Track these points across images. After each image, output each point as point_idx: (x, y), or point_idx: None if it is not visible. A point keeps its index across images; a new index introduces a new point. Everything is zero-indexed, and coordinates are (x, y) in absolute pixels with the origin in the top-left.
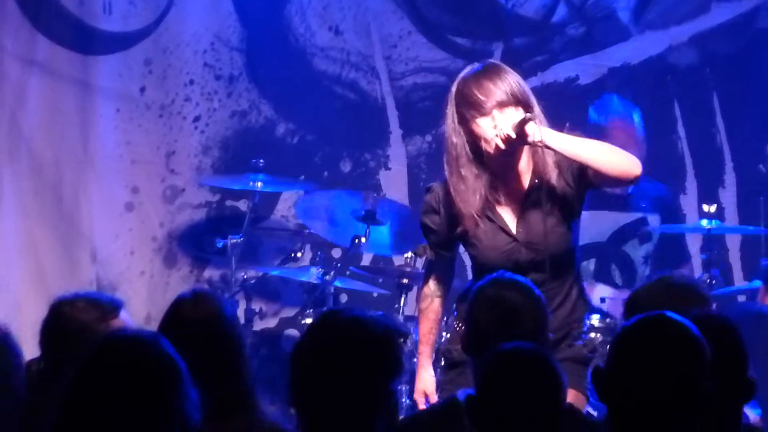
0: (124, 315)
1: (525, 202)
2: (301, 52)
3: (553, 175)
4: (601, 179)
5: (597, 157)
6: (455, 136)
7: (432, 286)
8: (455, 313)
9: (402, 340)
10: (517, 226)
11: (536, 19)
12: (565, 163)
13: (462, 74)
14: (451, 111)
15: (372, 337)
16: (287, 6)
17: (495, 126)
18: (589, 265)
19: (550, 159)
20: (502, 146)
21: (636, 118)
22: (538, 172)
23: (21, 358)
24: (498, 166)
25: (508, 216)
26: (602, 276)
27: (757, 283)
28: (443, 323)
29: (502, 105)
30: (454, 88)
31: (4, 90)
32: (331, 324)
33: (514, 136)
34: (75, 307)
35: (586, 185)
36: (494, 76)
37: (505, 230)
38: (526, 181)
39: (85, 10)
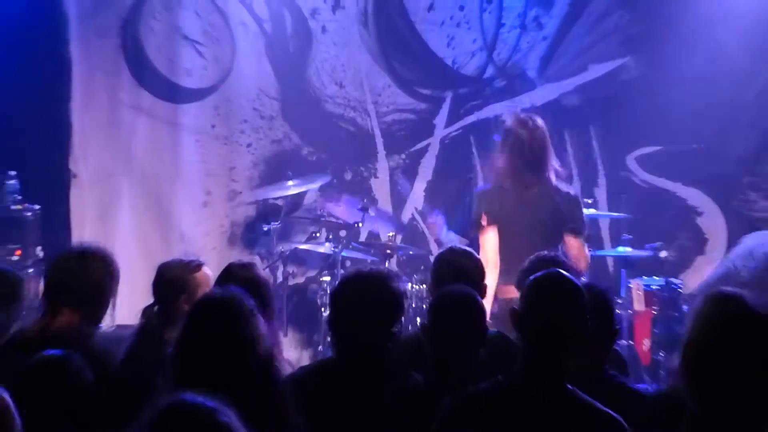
0: (206, 269)
1: None
2: (317, 99)
3: None
4: None
5: None
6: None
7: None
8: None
9: (403, 287)
10: None
11: (473, 76)
12: None
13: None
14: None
15: (387, 288)
16: (307, 69)
17: None
18: None
19: None
20: None
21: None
22: None
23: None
24: None
25: None
26: None
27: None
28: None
29: None
30: (545, 128)
31: (121, 128)
32: (358, 276)
33: None
34: (171, 266)
35: None
36: None
37: None
38: None
39: (174, 73)
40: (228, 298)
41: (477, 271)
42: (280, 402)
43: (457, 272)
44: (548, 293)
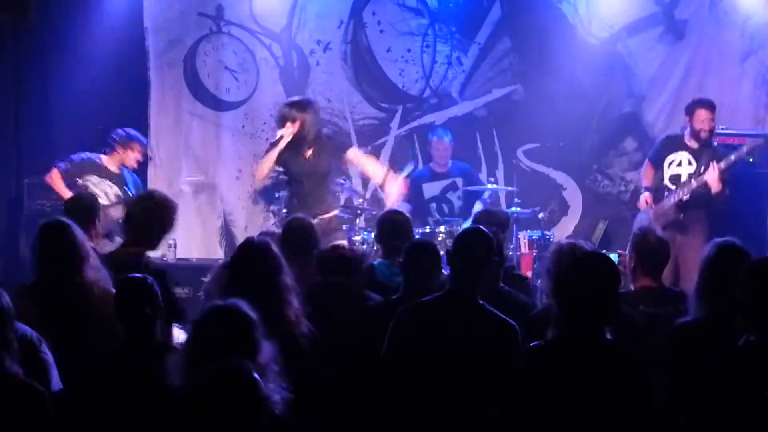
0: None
1: None
2: None
3: None
4: None
5: None
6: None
7: None
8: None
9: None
10: None
11: (416, 95)
12: None
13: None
14: None
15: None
16: (306, 89)
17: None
18: (434, 205)
19: None
20: None
21: (445, 136)
22: None
23: None
24: None
25: None
26: (443, 206)
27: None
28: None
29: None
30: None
31: (182, 127)
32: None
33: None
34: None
35: None
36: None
37: None
38: None
39: (217, 90)
40: (261, 243)
41: (407, 224)
42: (294, 310)
43: (394, 225)
44: (470, 239)
